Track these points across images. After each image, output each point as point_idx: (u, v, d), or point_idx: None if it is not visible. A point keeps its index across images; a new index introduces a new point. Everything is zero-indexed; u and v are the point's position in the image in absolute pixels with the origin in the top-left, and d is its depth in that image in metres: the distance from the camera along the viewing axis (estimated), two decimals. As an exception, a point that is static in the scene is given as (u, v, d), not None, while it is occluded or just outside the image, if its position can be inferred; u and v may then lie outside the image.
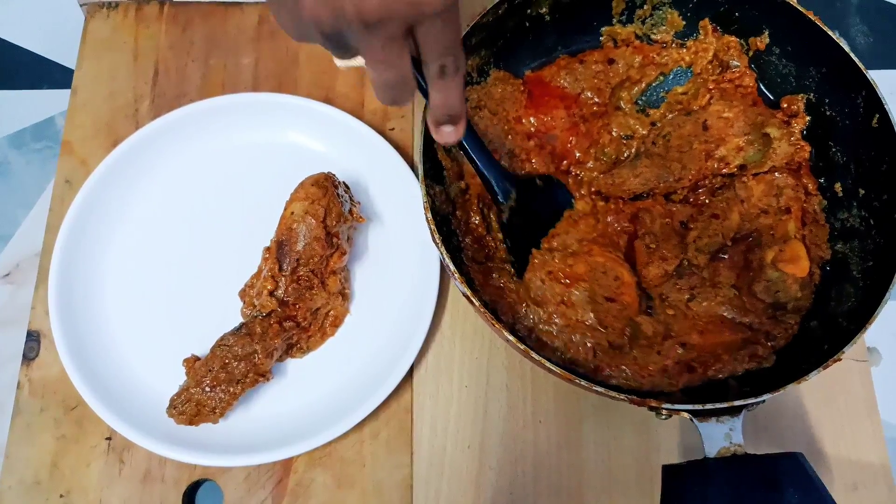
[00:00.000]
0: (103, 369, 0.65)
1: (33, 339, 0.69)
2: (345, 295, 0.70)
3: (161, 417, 0.62)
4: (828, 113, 0.68)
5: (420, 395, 0.69)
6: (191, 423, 0.61)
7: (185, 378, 0.63)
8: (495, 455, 0.67)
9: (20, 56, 0.86)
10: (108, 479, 0.65)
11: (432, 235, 0.59)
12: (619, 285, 0.64)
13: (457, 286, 0.59)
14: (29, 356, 0.68)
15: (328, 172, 0.68)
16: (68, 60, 0.86)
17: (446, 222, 0.66)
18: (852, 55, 0.64)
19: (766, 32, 0.70)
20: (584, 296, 0.63)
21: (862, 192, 0.66)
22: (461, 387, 0.69)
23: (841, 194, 0.68)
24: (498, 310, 0.63)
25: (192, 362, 0.64)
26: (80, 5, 0.83)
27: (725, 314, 0.65)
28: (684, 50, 0.73)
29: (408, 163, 0.73)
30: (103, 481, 0.65)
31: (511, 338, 0.55)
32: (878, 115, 0.63)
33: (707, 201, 0.70)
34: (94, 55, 0.80)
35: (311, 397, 0.67)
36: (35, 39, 0.86)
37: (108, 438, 0.66)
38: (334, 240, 0.66)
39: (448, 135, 0.53)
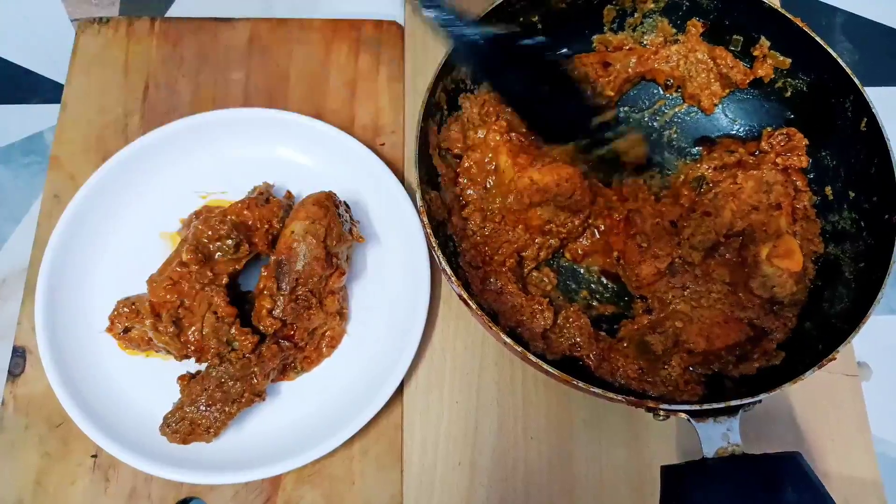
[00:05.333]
0: (89, 386, 0.64)
1: (19, 355, 0.68)
2: (342, 315, 0.69)
3: (148, 435, 0.61)
4: (817, 119, 0.69)
5: (410, 412, 0.68)
6: (184, 441, 0.61)
7: (177, 396, 0.62)
8: (486, 472, 0.66)
9: (9, 70, 0.86)
10: (93, 497, 0.64)
11: (428, 239, 0.59)
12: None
13: (453, 289, 0.59)
14: (14, 372, 0.68)
15: (329, 191, 0.67)
16: (58, 75, 0.86)
17: (442, 227, 0.66)
18: (840, 60, 0.65)
19: (761, 38, 0.71)
20: None
21: (852, 194, 0.67)
22: (452, 403, 0.68)
23: (831, 198, 0.69)
24: (498, 315, 0.64)
25: (186, 380, 0.63)
26: (71, 20, 0.83)
27: (727, 310, 0.65)
28: (675, 46, 0.74)
29: (398, 178, 0.72)
30: (88, 500, 0.64)
31: (508, 339, 0.55)
32: (866, 119, 0.64)
33: (698, 199, 0.70)
34: (85, 70, 0.80)
35: (300, 414, 0.66)
36: (25, 54, 0.86)
37: (94, 456, 0.65)
38: (334, 259, 0.65)
39: None
